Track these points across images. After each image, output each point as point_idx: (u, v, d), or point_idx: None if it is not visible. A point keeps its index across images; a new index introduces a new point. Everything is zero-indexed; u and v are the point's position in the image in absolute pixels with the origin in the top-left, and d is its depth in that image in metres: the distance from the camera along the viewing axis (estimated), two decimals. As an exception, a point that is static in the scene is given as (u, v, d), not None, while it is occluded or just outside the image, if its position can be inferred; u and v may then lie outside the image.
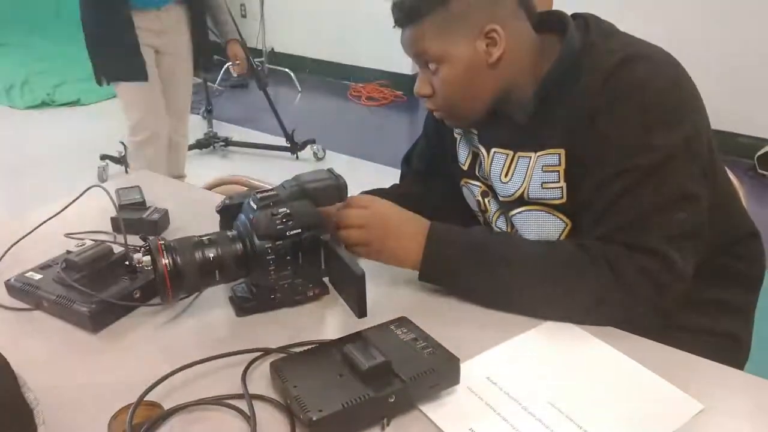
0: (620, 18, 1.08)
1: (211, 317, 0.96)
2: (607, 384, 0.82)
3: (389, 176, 1.38)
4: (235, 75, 2.89)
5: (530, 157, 1.04)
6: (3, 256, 1.09)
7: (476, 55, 0.98)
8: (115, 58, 2.53)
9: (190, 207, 1.29)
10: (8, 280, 0.99)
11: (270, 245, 0.90)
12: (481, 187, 1.17)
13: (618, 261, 0.90)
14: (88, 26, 2.55)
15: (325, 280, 0.97)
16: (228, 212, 0.98)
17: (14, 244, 1.11)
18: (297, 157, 3.88)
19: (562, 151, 0.99)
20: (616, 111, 0.93)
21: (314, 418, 0.69)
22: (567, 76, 0.98)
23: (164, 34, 2.61)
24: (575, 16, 1.05)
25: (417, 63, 1.04)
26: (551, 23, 1.04)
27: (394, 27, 1.03)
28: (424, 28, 0.98)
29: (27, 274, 0.99)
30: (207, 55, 2.79)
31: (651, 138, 0.91)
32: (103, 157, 3.57)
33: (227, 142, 3.92)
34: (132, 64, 2.51)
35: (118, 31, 2.44)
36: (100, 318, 0.91)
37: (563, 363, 0.85)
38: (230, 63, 3.00)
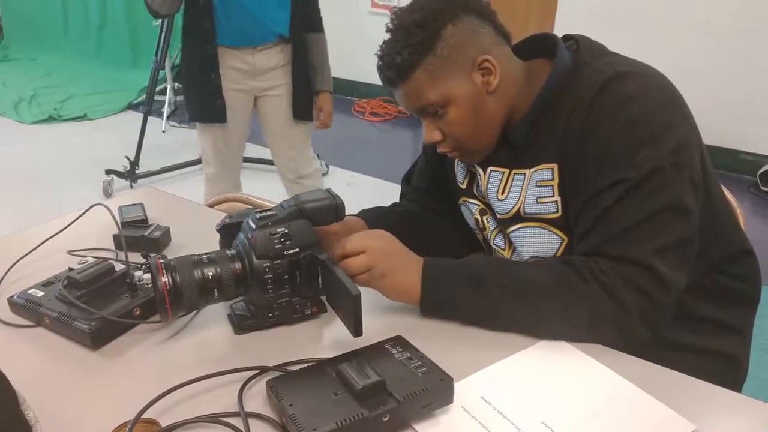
0: (622, 38, 1.09)
1: (209, 335, 0.97)
2: (601, 404, 0.82)
3: (392, 192, 1.40)
4: (316, 128, 2.57)
5: (525, 173, 1.05)
6: (6, 272, 1.11)
7: (476, 88, 1.00)
8: (198, 97, 2.45)
9: (192, 224, 1.30)
10: (11, 296, 1.01)
11: (268, 264, 0.91)
12: (479, 205, 1.18)
13: (605, 275, 0.91)
14: (182, 62, 2.53)
15: (323, 298, 0.98)
16: (228, 231, 1.00)
17: (18, 260, 1.13)
18: (301, 172, 3.91)
19: (556, 166, 1.01)
20: (605, 126, 0.94)
21: (309, 437, 0.70)
22: (558, 94, 1.00)
23: (260, 76, 2.43)
24: (566, 37, 1.07)
25: (418, 115, 1.05)
26: (543, 45, 1.06)
27: (386, 88, 1.05)
28: (419, 79, 1.00)
29: (29, 291, 1.01)
30: (308, 100, 2.52)
31: (638, 152, 0.92)
32: (109, 172, 3.61)
33: (231, 157, 3.95)
34: (212, 106, 2.39)
35: (203, 69, 2.35)
36: (101, 335, 0.93)
37: (557, 382, 0.86)
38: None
